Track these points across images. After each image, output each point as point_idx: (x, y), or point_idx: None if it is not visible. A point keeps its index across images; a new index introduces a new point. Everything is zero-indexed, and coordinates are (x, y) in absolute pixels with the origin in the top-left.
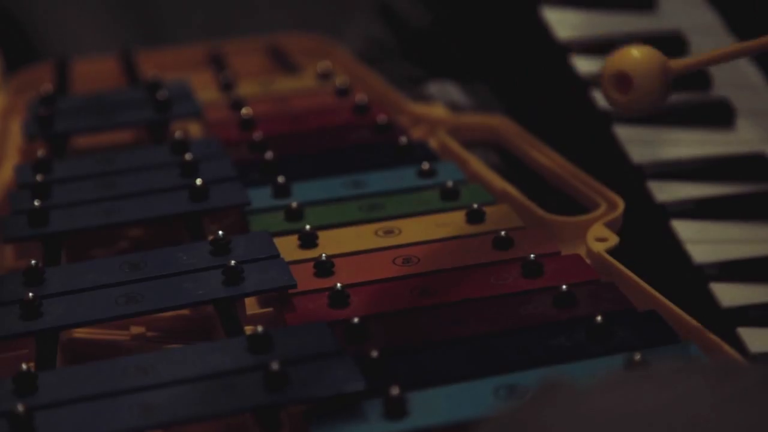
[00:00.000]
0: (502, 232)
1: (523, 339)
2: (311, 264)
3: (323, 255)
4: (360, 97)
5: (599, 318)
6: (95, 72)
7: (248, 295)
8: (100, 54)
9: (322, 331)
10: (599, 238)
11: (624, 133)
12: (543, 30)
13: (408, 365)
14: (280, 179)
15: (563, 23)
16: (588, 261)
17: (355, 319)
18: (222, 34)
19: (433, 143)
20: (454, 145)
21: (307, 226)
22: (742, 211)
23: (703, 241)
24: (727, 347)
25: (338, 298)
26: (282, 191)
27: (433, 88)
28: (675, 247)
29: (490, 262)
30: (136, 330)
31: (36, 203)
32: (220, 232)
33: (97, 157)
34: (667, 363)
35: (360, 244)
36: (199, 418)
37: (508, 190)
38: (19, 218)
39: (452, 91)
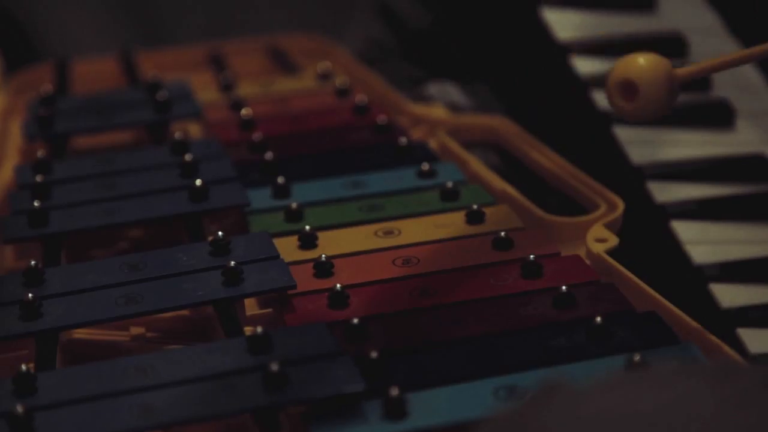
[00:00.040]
0: (502, 233)
1: (523, 340)
2: (311, 265)
3: (323, 256)
4: (360, 97)
5: (599, 319)
6: (95, 72)
7: (248, 295)
8: (100, 54)
9: (322, 331)
10: (599, 238)
11: (624, 133)
12: (543, 30)
13: (408, 366)
14: (280, 180)
15: (563, 24)
16: (588, 262)
17: (355, 320)
18: (222, 35)
19: (433, 144)
20: (454, 146)
21: (307, 227)
22: (742, 211)
23: (703, 242)
24: (726, 348)
25: (338, 299)
26: (282, 192)
27: (433, 88)
28: (675, 247)
29: (489, 263)
30: (135, 330)
31: (36, 204)
32: (220, 233)
33: (97, 158)
34: (666, 364)
35: (360, 245)
36: (199, 419)
37: (508, 191)
38: (19, 219)
39: (452, 91)
